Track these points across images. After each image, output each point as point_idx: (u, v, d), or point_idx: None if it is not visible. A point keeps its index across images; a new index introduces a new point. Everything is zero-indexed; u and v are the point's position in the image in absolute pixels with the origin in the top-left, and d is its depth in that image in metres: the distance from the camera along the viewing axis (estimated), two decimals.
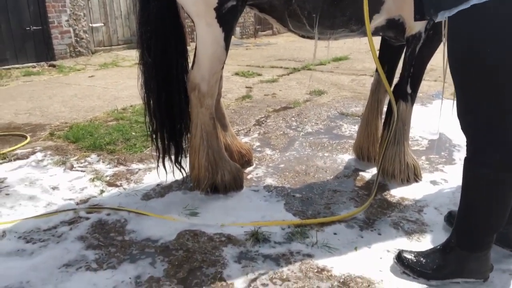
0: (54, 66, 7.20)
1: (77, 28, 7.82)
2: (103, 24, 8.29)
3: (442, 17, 1.47)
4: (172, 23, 2.28)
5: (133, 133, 3.53)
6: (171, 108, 2.41)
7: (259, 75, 6.15)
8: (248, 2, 2.24)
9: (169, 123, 2.45)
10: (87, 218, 2.20)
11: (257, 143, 3.31)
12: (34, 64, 7.23)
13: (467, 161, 1.57)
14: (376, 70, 2.79)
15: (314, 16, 2.19)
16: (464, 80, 1.50)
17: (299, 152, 3.12)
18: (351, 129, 3.63)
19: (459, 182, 1.78)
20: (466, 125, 1.54)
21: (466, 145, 1.58)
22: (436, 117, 3.16)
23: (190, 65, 2.42)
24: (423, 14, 1.57)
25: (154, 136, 2.47)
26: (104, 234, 2.06)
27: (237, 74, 6.19)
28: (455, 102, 1.60)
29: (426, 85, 5.16)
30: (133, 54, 8.85)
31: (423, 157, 3.01)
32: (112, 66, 7.10)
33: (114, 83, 5.67)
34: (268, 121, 3.89)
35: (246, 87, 5.30)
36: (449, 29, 1.48)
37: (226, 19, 2.17)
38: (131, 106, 4.41)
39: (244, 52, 9.19)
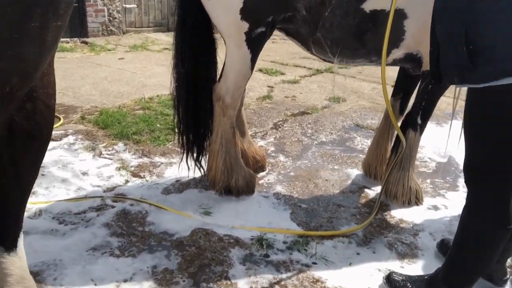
0: (86, 43, 7.48)
1: (111, 7, 8.06)
2: (136, 6, 8.51)
3: (466, 86, 1.56)
4: (205, 39, 2.47)
5: (158, 125, 3.76)
6: (197, 113, 2.62)
7: (282, 74, 6.29)
8: (276, 26, 2.41)
9: (194, 127, 2.67)
10: (113, 206, 2.45)
11: (272, 148, 3.51)
12: (68, 39, 7.52)
13: (466, 209, 1.70)
14: (392, 95, 2.95)
15: (336, 46, 2.35)
16: (478, 144, 1.60)
17: (311, 162, 3.30)
18: (363, 142, 3.78)
19: (459, 210, 1.90)
20: (471, 181, 1.66)
21: (467, 195, 1.70)
22: (448, 139, 3.27)
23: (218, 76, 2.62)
24: (440, 80, 1.65)
25: (179, 136, 2.70)
26: (127, 223, 2.31)
27: (260, 70, 6.34)
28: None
29: (445, 102, 5.22)
30: (162, 38, 9.04)
31: (428, 180, 3.16)
32: (141, 49, 7.33)
33: (143, 69, 5.91)
34: (285, 125, 4.08)
35: (268, 86, 5.47)
36: (472, 96, 1.57)
37: (254, 43, 2.35)
38: (157, 96, 4.64)
39: (270, 45, 9.28)
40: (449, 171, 3.34)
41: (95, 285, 1.83)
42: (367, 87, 5.92)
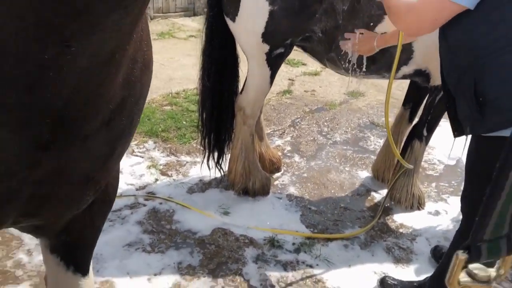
0: None
1: None
2: None
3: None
4: (229, 56, 2.73)
5: (184, 122, 4.07)
6: (220, 121, 2.91)
7: (304, 64, 6.43)
8: (294, 44, 2.64)
9: (216, 133, 2.96)
10: (144, 205, 2.80)
11: (288, 148, 3.76)
12: None
13: (458, 233, 1.90)
14: (403, 104, 3.13)
15: (349, 64, 2.56)
16: (476, 181, 1.74)
17: (324, 162, 3.55)
18: (376, 143, 3.98)
19: (457, 216, 2.07)
20: (466, 211, 1.86)
21: (462, 219, 1.89)
22: (460, 140, 3.41)
23: (239, 88, 2.87)
24: (461, 132, 1.75)
25: (202, 139, 2.99)
26: (156, 221, 2.65)
27: None
28: None
29: None
30: (188, 23, 9.20)
31: (433, 184, 3.36)
32: (168, 37, 7.59)
33: (170, 60, 6.18)
34: (302, 123, 4.30)
35: (289, 79, 5.65)
36: (476, 139, 1.69)
37: (274, 62, 2.59)
38: (183, 90, 4.93)
39: None
40: (455, 174, 3.52)
41: (130, 278, 2.20)
42: (386, 80, 5.99)
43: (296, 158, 3.60)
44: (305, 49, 2.77)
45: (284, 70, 6.09)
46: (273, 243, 2.52)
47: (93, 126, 0.77)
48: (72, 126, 0.72)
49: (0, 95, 0.60)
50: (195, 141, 3.70)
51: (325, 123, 4.33)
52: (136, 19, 0.69)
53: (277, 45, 2.54)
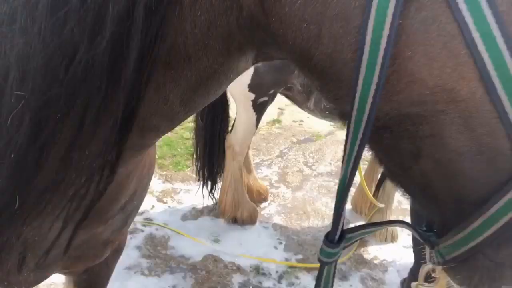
0: None
1: None
2: None
3: None
4: (220, 101, 3.03)
5: (179, 149, 4.35)
6: (212, 157, 3.20)
7: None
8: (277, 93, 2.97)
9: (209, 166, 3.24)
10: (142, 230, 3.05)
11: (276, 178, 4.06)
12: None
13: (410, 271, 2.23)
14: None
15: (325, 112, 2.90)
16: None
17: (308, 193, 3.85)
18: (357, 176, 4.29)
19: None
20: (416, 254, 2.19)
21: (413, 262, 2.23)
22: None
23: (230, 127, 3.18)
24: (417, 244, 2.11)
25: (197, 171, 3.28)
26: (153, 246, 2.91)
27: None
28: None
29: None
30: None
31: (409, 218, 3.67)
32: None
33: None
34: (289, 153, 4.61)
35: (279, 109, 5.97)
36: None
37: (259, 108, 2.93)
38: None
39: None
40: None
41: None
42: None
43: (283, 188, 3.89)
44: (287, 96, 3.11)
45: (275, 99, 6.42)
46: (258, 270, 2.79)
47: (113, 213, 1.10)
48: (99, 215, 1.05)
49: (60, 209, 0.90)
50: (189, 168, 3.98)
51: (311, 154, 4.64)
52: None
53: (262, 94, 2.88)
